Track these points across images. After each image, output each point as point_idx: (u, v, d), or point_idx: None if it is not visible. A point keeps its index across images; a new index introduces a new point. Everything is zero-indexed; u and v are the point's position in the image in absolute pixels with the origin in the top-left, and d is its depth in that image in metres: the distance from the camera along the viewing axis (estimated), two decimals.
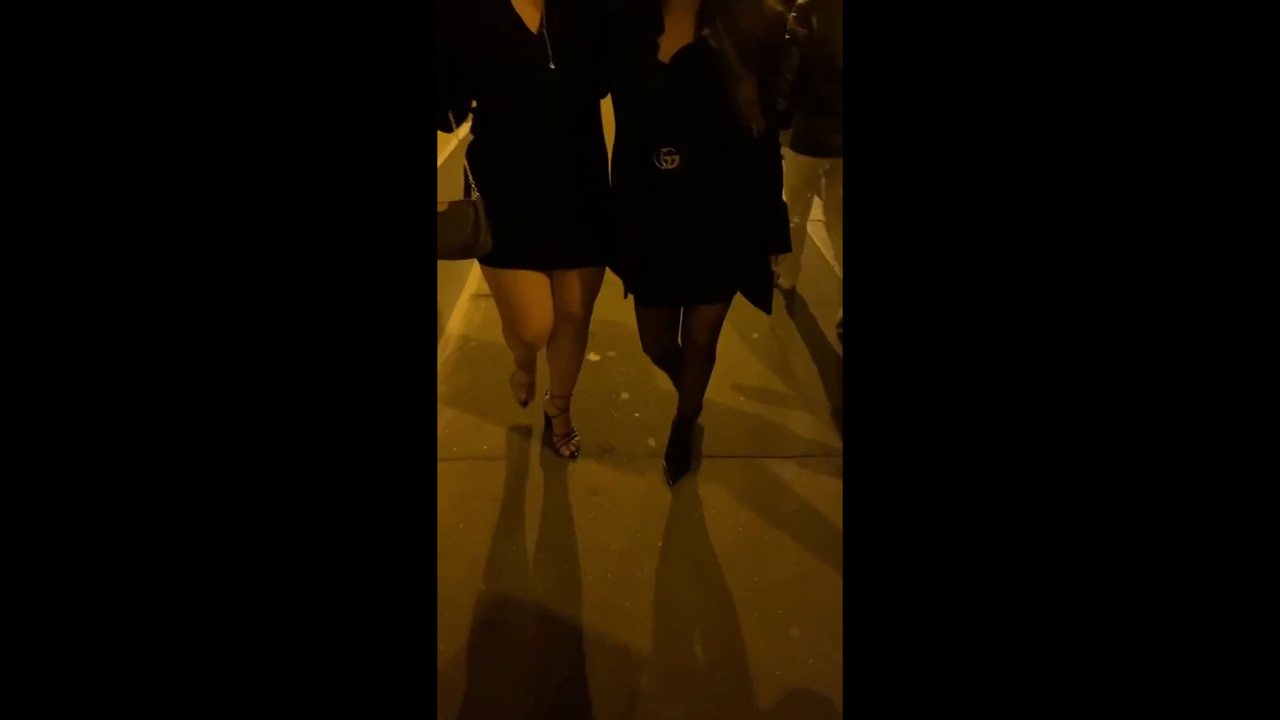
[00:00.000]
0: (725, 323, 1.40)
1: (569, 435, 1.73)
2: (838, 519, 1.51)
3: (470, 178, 1.20)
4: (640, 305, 1.37)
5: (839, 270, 2.62)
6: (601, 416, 1.86)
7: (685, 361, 1.53)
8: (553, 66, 1.10)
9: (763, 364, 2.09)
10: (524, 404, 1.72)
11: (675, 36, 1.06)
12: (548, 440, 1.76)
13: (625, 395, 1.96)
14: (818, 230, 2.99)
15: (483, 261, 1.28)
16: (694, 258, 1.22)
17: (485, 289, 2.54)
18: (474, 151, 1.21)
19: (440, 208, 1.18)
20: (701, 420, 1.82)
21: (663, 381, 1.83)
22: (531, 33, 1.09)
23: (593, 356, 2.11)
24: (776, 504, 1.57)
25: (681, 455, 1.67)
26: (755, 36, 1.02)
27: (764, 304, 1.32)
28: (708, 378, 1.57)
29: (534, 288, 1.31)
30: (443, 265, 2.14)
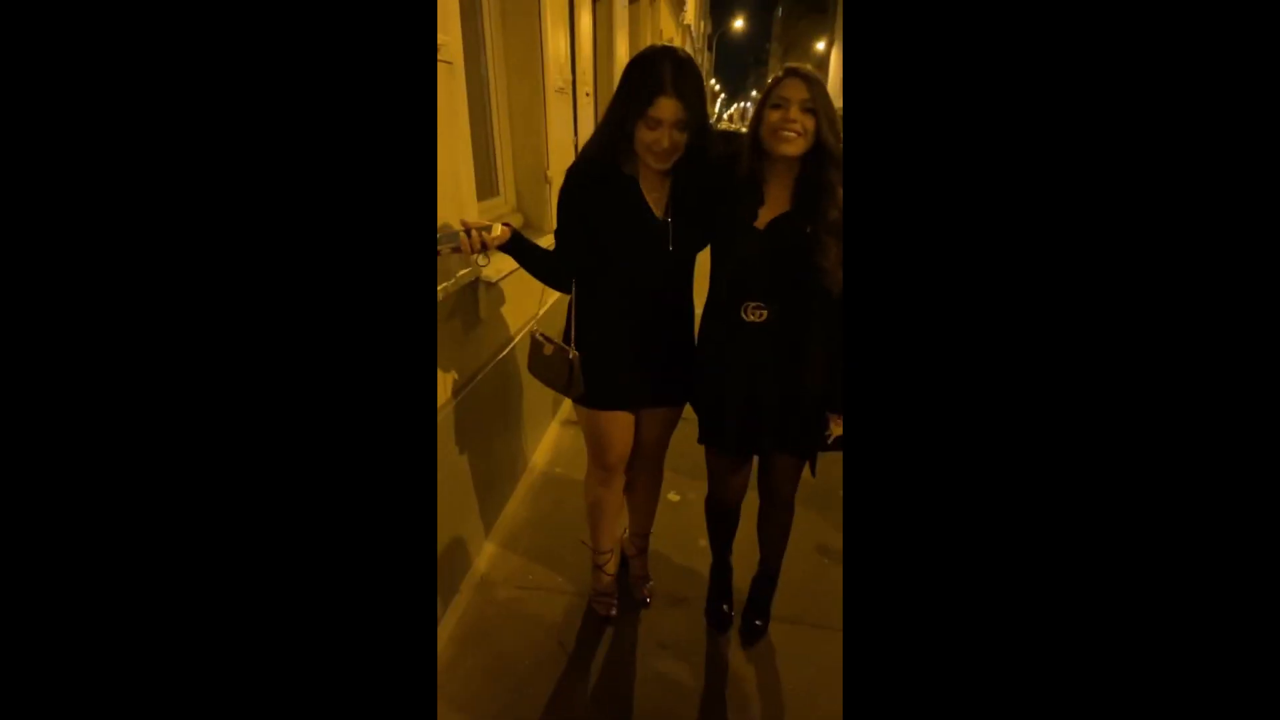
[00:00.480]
0: (808, 473, 1.38)
1: (644, 578, 1.68)
2: None
3: (572, 329, 1.31)
4: (711, 452, 1.43)
5: None
6: (678, 564, 1.81)
7: (762, 511, 1.52)
8: (671, 249, 1.23)
9: (832, 521, 1.99)
10: (609, 616, 1.59)
11: (771, 208, 1.20)
12: (622, 579, 1.71)
13: (702, 542, 1.90)
14: None
15: (576, 401, 1.38)
16: (768, 408, 1.27)
17: (573, 415, 2.63)
18: (581, 306, 1.30)
19: (546, 350, 1.32)
20: (783, 579, 1.72)
21: (742, 528, 1.78)
22: (657, 219, 1.22)
23: (672, 496, 2.09)
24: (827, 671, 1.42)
25: (760, 615, 1.57)
26: (837, 214, 1.14)
27: (810, 466, 1.37)
28: (788, 531, 1.53)
29: (620, 422, 1.41)
30: (536, 390, 2.26)
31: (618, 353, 1.30)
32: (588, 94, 2.89)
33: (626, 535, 1.69)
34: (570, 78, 2.56)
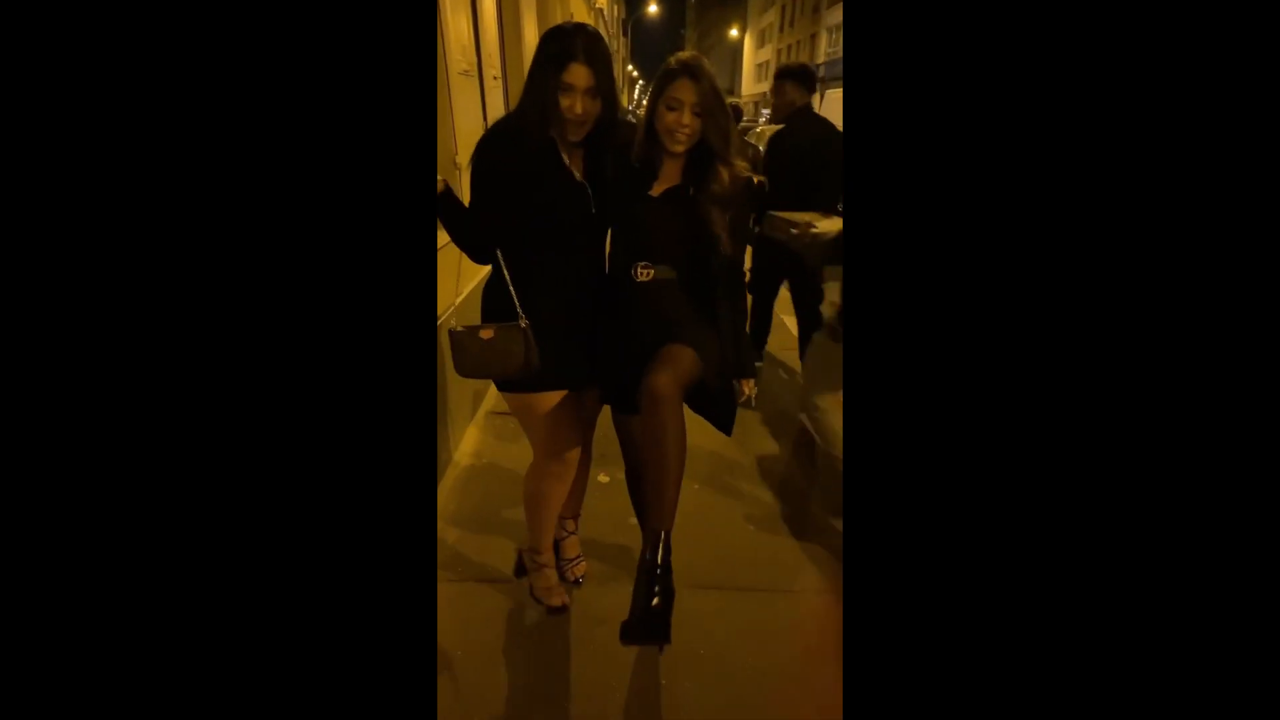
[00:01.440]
0: (729, 445, 1.42)
1: (576, 559, 1.69)
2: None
3: (517, 304, 1.28)
4: (620, 417, 1.44)
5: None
6: (609, 542, 1.83)
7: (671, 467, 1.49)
8: (594, 211, 1.28)
9: (771, 492, 2.08)
10: (564, 605, 1.57)
11: (665, 180, 1.30)
12: (555, 564, 1.72)
13: (633, 520, 1.94)
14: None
15: (518, 388, 1.33)
16: (629, 357, 1.29)
17: (501, 405, 2.61)
18: (518, 277, 1.29)
19: (486, 335, 1.26)
20: (710, 549, 1.78)
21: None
22: (578, 180, 1.27)
23: (602, 478, 2.11)
24: (788, 642, 1.49)
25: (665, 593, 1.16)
26: (724, 190, 1.25)
27: (725, 426, 1.39)
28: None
29: (567, 405, 1.39)
30: (457, 385, 2.22)
31: (552, 328, 1.29)
32: (495, 78, 2.83)
33: (557, 520, 1.70)
34: (475, 61, 2.49)
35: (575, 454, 1.45)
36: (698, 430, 1.35)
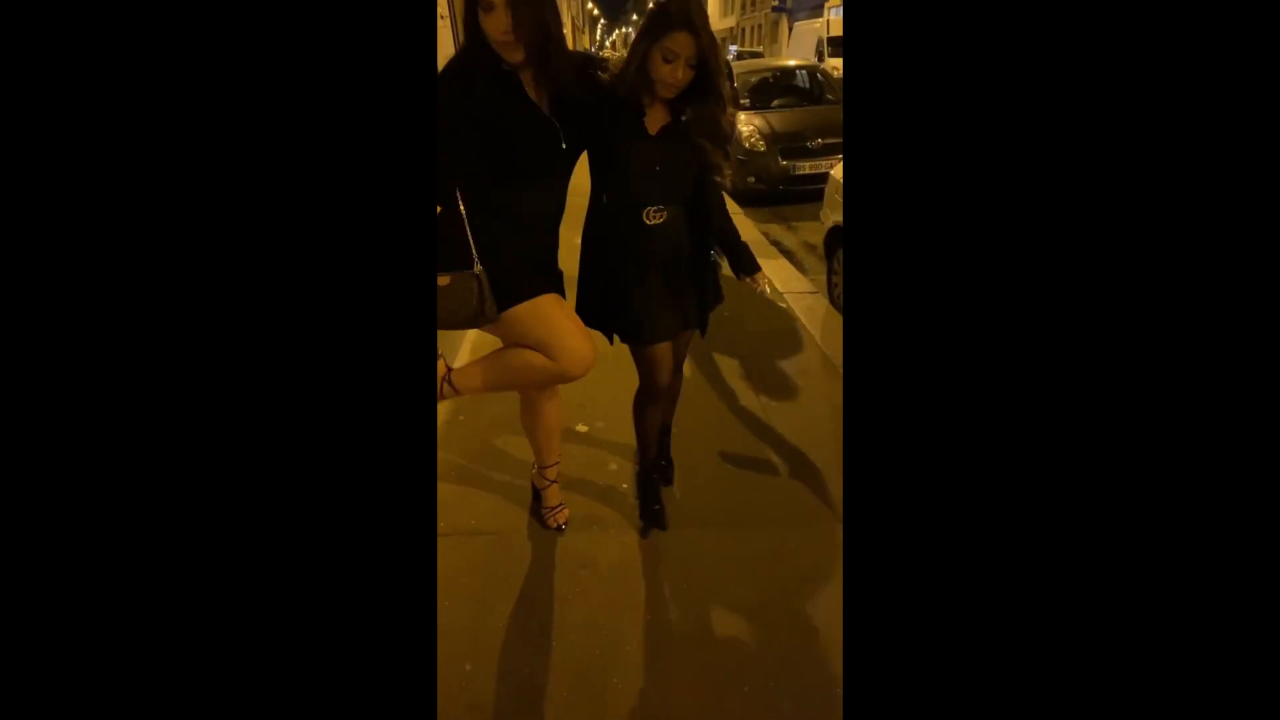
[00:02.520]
0: (710, 390, 1.44)
1: (558, 507, 1.71)
2: (830, 589, 1.48)
3: (474, 250, 1.23)
4: (645, 345, 1.46)
5: (820, 339, 2.69)
6: (590, 488, 1.85)
7: (669, 388, 1.63)
8: (564, 146, 1.25)
9: (750, 432, 2.11)
10: (564, 525, 1.69)
11: (655, 120, 1.31)
12: (535, 512, 1.74)
13: (613, 466, 1.96)
14: (798, 301, 3.09)
15: (508, 304, 1.28)
16: (677, 294, 1.43)
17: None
18: (476, 220, 1.24)
19: (441, 282, 1.22)
20: (692, 490, 1.81)
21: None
22: (547, 116, 1.23)
23: (580, 428, 2.12)
24: (769, 574, 1.54)
25: (666, 457, 1.83)
26: (718, 126, 1.29)
27: (702, 326, 1.53)
28: (677, 395, 1.75)
29: (566, 306, 1.37)
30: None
31: (525, 261, 1.29)
32: (442, 17, 2.68)
33: (536, 470, 1.71)
34: None
35: (590, 358, 1.35)
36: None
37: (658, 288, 1.39)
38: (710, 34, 1.20)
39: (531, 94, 1.21)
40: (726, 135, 1.30)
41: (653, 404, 1.61)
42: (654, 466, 1.76)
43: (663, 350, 1.49)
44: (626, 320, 1.43)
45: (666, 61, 1.19)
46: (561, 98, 1.25)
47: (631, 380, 1.58)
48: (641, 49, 1.21)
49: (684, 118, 1.28)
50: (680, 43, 1.17)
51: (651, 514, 1.70)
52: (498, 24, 1.11)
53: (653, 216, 1.33)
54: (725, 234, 1.49)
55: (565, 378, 1.37)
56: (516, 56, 1.16)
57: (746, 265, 1.51)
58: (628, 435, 2.03)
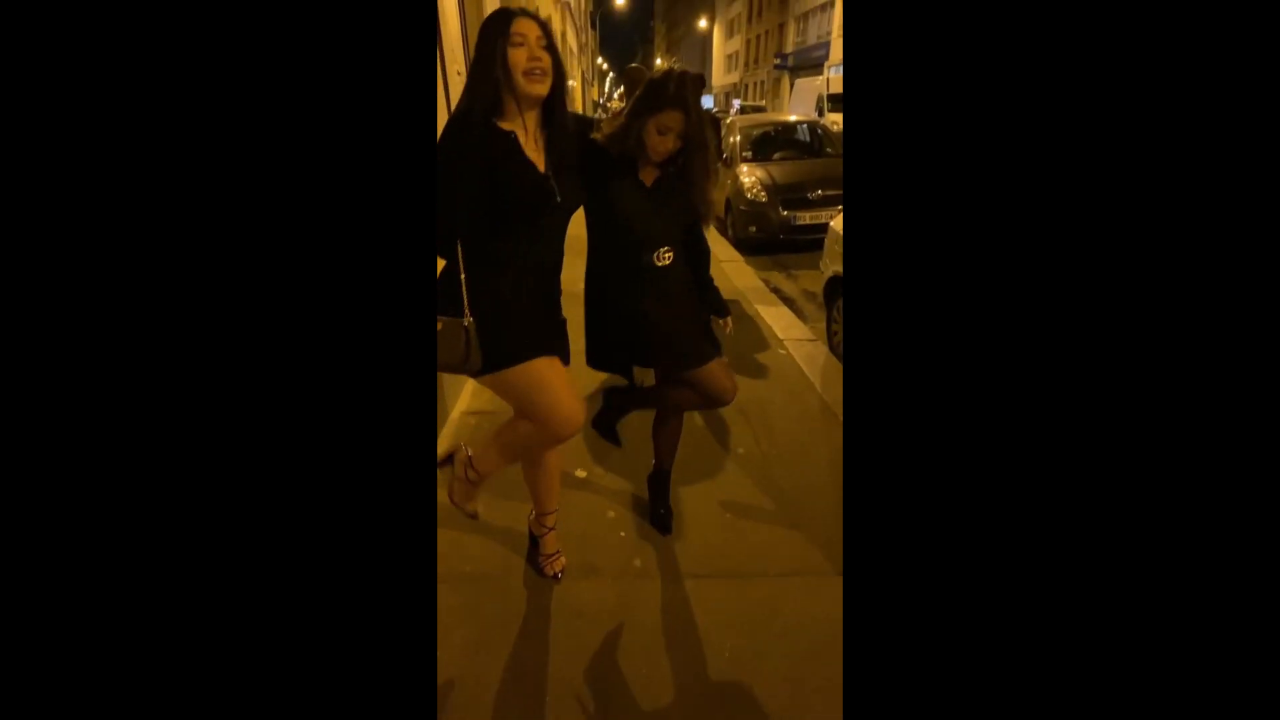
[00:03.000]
0: (710, 438, 1.45)
1: (555, 555, 1.70)
2: (828, 640, 1.45)
3: (465, 300, 1.27)
4: (659, 376, 1.69)
5: (819, 387, 2.70)
6: (588, 536, 1.84)
7: (660, 417, 1.77)
8: (559, 200, 1.30)
9: (750, 480, 2.10)
10: (560, 573, 1.68)
11: (648, 175, 1.48)
12: (532, 559, 1.72)
13: (611, 513, 1.94)
14: (798, 348, 3.11)
15: (497, 367, 1.31)
16: (682, 329, 1.58)
17: (475, 406, 2.59)
18: (472, 270, 1.28)
19: (437, 325, 1.27)
20: (691, 540, 1.80)
21: (642, 493, 1.84)
22: (541, 173, 1.28)
23: (580, 473, 2.12)
24: (767, 625, 1.52)
25: (663, 504, 1.87)
26: (705, 177, 1.47)
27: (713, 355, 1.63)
28: (680, 433, 1.82)
29: (556, 368, 1.37)
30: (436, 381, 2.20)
31: (519, 313, 1.31)
32: (459, 72, 2.80)
33: (534, 517, 1.70)
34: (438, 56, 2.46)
35: (578, 420, 1.38)
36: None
37: (684, 317, 1.57)
38: (699, 111, 1.38)
39: (528, 152, 1.27)
40: (707, 193, 1.47)
41: (675, 425, 1.78)
42: (660, 477, 1.89)
43: (709, 371, 1.61)
44: (660, 350, 1.59)
45: (660, 134, 1.36)
46: (557, 155, 1.31)
47: (631, 425, 1.59)
48: (639, 124, 1.37)
49: (672, 171, 1.47)
50: (673, 119, 1.35)
51: (658, 518, 1.84)
52: (532, 51, 1.20)
53: (662, 257, 1.49)
54: (704, 275, 1.67)
55: (557, 440, 1.41)
56: (540, 90, 1.22)
57: (718, 308, 1.68)
58: (626, 481, 2.02)
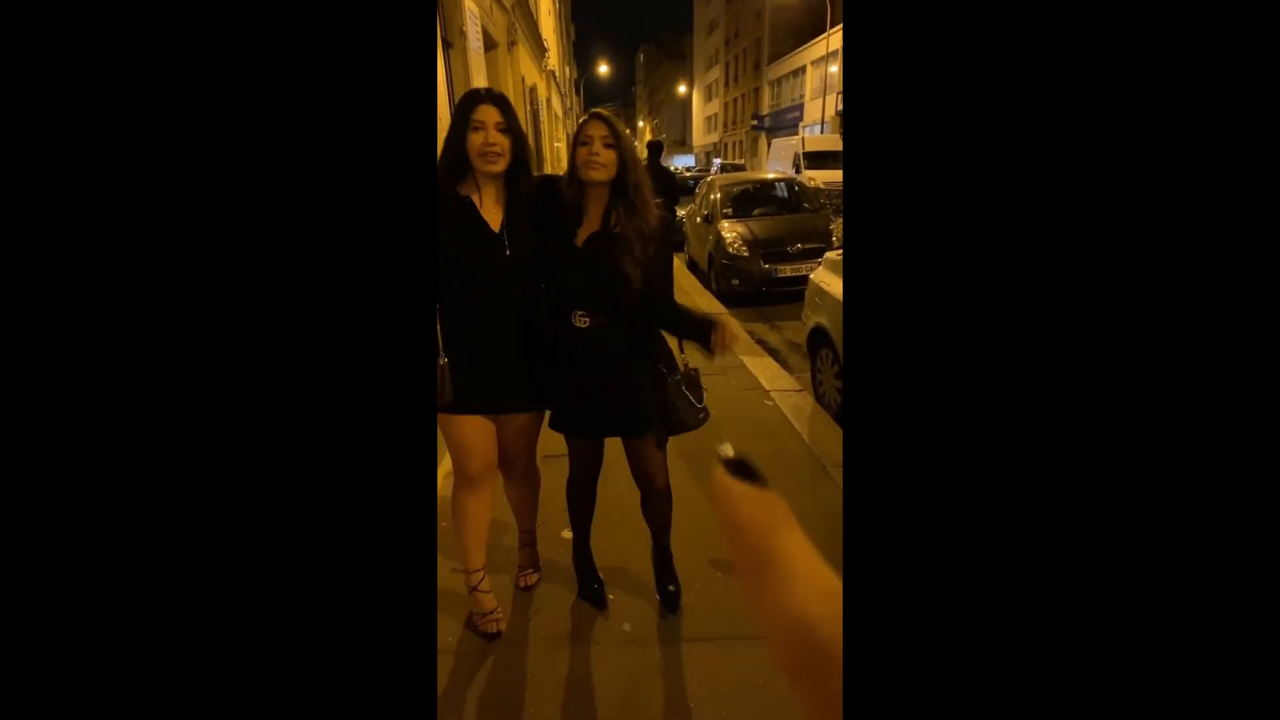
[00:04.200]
0: (699, 497, 1.43)
1: (530, 568, 1.85)
2: None
3: (440, 343, 1.47)
4: (568, 438, 1.62)
5: (807, 437, 2.69)
6: (574, 600, 1.78)
7: (643, 499, 1.69)
8: (508, 253, 1.44)
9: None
10: (498, 632, 1.66)
11: (588, 227, 1.45)
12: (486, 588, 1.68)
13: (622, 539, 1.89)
14: (785, 399, 3.12)
15: (441, 410, 1.49)
16: (605, 397, 1.50)
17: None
18: (444, 318, 1.48)
19: None
20: (684, 603, 1.75)
21: (635, 564, 1.79)
22: (494, 231, 1.45)
23: (565, 534, 2.07)
24: (763, 693, 1.46)
25: (669, 580, 1.77)
26: (646, 226, 1.41)
27: (672, 431, 1.55)
28: (668, 513, 1.71)
29: (476, 427, 1.56)
30: None
31: (474, 360, 1.47)
32: None
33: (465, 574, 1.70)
34: None
35: (485, 475, 1.61)
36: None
37: (585, 387, 1.50)
38: (631, 147, 1.40)
39: (485, 213, 1.44)
40: (648, 239, 1.40)
41: (579, 493, 1.73)
42: (583, 551, 1.83)
43: (580, 445, 1.63)
44: (555, 410, 1.57)
45: (583, 144, 1.38)
46: (514, 214, 1.46)
47: (614, 489, 1.57)
48: (571, 149, 1.43)
49: (612, 226, 1.41)
50: (591, 127, 1.38)
51: (590, 591, 1.78)
52: (487, 137, 1.36)
53: (579, 319, 1.45)
54: (672, 323, 1.51)
55: (466, 481, 1.61)
56: (495, 168, 1.39)
57: (700, 333, 1.43)
58: (611, 544, 1.97)
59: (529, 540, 1.85)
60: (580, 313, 1.44)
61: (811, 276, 3.34)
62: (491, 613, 1.66)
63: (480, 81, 3.97)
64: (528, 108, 6.68)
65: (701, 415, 1.55)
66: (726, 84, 36.24)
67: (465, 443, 1.55)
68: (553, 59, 10.78)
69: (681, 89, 48.77)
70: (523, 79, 6.48)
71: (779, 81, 27.70)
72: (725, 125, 37.36)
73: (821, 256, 3.64)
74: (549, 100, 13.85)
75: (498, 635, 1.64)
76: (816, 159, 14.36)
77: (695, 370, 1.57)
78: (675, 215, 1.69)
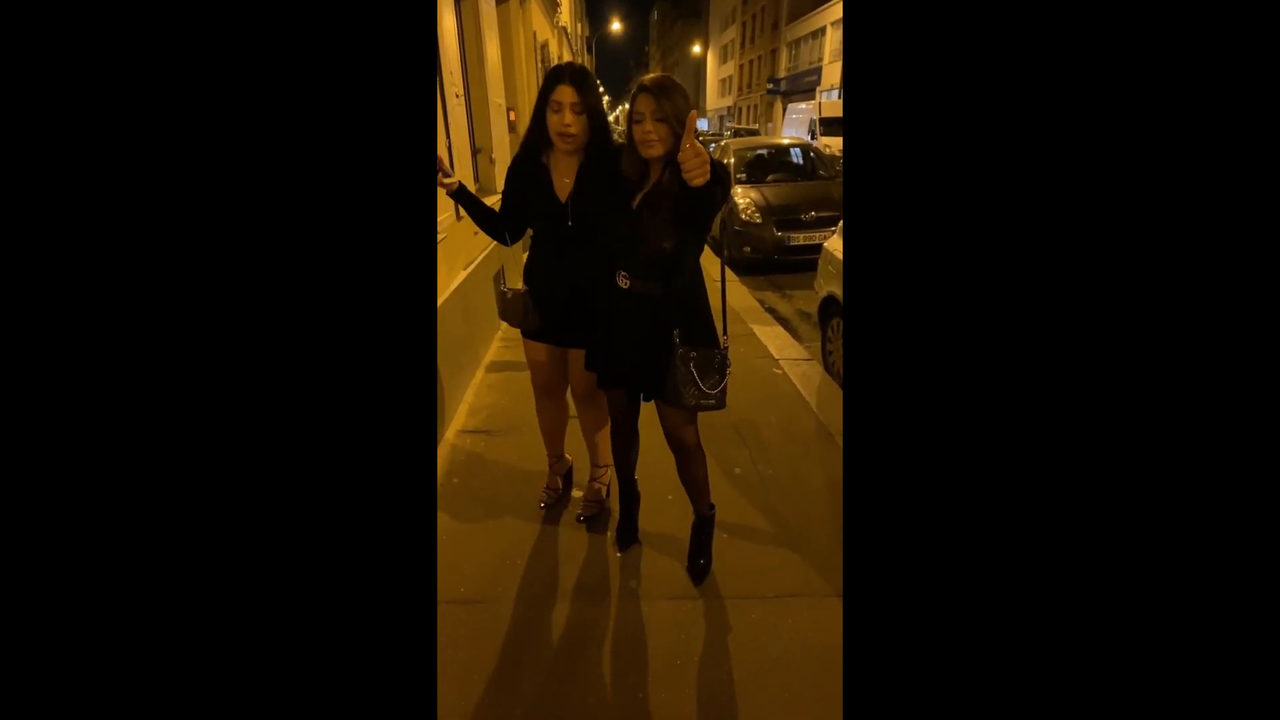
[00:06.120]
0: (707, 458, 1.44)
1: (595, 502, 1.99)
2: (827, 662, 1.44)
3: (523, 277, 1.78)
4: (602, 388, 1.71)
5: (815, 406, 2.71)
6: (582, 558, 1.82)
7: (676, 463, 1.70)
8: (570, 224, 1.62)
9: (745, 500, 2.09)
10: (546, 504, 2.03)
11: (640, 191, 1.48)
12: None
13: (670, 496, 1.93)
14: (794, 368, 3.12)
15: (524, 336, 1.83)
16: (633, 355, 1.56)
17: (470, 425, 2.59)
18: (533, 260, 1.76)
19: (509, 295, 1.76)
20: (686, 560, 1.79)
21: (650, 520, 1.82)
22: (560, 201, 1.62)
23: (577, 494, 2.10)
24: (764, 649, 1.50)
25: (702, 554, 1.76)
26: (683, 183, 1.34)
27: (667, 400, 1.57)
28: (703, 472, 1.72)
29: (542, 352, 1.85)
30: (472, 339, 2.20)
31: (545, 297, 1.73)
32: (457, 95, 2.83)
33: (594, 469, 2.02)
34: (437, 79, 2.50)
35: (545, 384, 1.91)
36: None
37: (617, 343, 1.58)
38: (670, 100, 1.36)
39: (555, 183, 1.61)
40: (694, 194, 1.30)
41: (617, 434, 1.79)
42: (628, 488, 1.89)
43: (612, 393, 1.72)
44: (593, 360, 1.68)
45: (636, 123, 1.40)
46: (582, 187, 1.60)
47: (643, 449, 1.58)
48: (628, 122, 1.45)
49: (664, 178, 1.40)
50: (642, 103, 1.39)
51: (696, 567, 1.76)
52: (563, 118, 1.50)
53: (622, 279, 1.52)
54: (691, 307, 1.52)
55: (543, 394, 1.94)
56: (568, 147, 1.55)
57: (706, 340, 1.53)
58: (619, 503, 2.00)
59: (596, 476, 2.03)
60: (623, 273, 1.52)
61: (825, 245, 3.31)
62: (555, 487, 2.06)
63: (492, 40, 3.88)
64: (540, 64, 6.53)
65: (704, 400, 1.51)
66: (743, 45, 35.18)
67: (534, 361, 1.87)
68: (564, 15, 10.51)
69: (695, 48, 47.41)
70: (534, 34, 6.32)
71: (797, 43, 26.88)
72: (740, 88, 36.42)
73: (836, 225, 3.59)
74: (561, 56, 13.52)
75: (582, 519, 1.95)
76: (833, 125, 14.00)
77: (722, 355, 1.51)
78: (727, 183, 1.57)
